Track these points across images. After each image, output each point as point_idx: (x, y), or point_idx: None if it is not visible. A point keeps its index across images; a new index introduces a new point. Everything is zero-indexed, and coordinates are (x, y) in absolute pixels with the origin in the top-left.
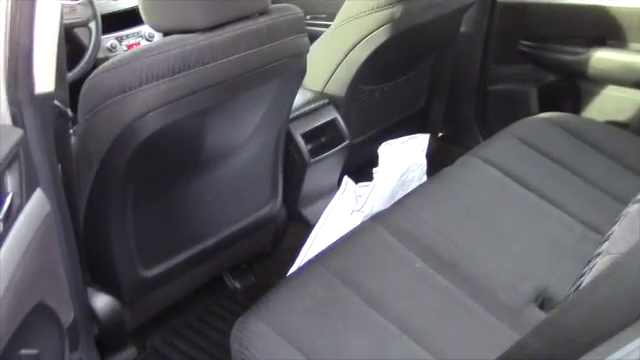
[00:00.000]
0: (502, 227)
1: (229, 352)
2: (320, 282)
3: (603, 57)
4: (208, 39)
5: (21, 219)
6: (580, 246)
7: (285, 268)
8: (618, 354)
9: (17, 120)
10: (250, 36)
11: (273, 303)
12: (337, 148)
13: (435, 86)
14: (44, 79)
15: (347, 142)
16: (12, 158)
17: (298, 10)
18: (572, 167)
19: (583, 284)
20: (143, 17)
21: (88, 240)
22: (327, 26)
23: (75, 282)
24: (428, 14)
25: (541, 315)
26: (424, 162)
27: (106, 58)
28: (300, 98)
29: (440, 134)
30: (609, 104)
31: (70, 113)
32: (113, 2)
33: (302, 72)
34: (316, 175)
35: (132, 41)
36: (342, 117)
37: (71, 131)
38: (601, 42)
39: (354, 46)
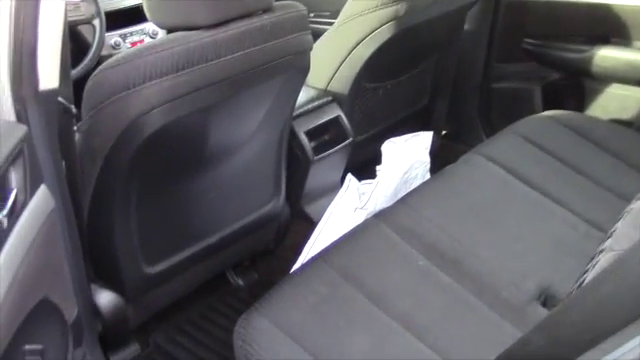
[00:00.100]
0: (505, 225)
1: (232, 349)
2: (323, 279)
3: (607, 55)
4: (212, 36)
5: (25, 215)
6: (583, 244)
7: (288, 265)
8: (620, 351)
9: (21, 116)
10: (254, 33)
11: (276, 300)
12: (340, 146)
13: (439, 84)
14: (48, 76)
15: (350, 140)
16: (16, 154)
17: (302, 7)
18: (576, 165)
19: (586, 281)
20: (147, 14)
21: (92, 237)
22: (331, 24)
23: (79, 278)
24: (432, 12)
25: (544, 313)
26: (427, 160)
27: (110, 55)
28: (303, 96)
29: (443, 132)
30: (613, 102)
31: (74, 110)
32: None
33: (305, 70)
34: (319, 173)
35: (136, 38)
36: (345, 115)
37: (75, 128)
38: (605, 40)
39: (358, 44)
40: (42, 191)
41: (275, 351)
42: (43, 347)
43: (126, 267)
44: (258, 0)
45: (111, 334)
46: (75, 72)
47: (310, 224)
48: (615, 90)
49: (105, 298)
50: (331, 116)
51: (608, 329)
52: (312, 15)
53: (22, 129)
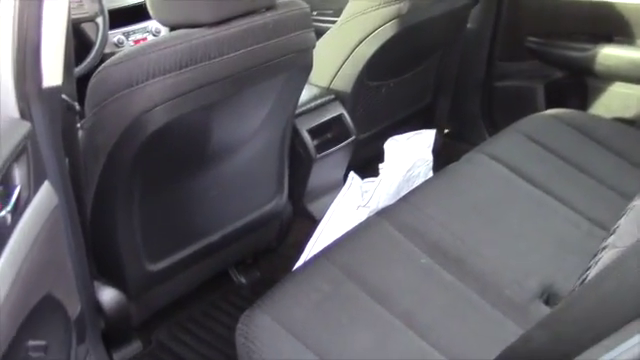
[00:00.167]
0: (508, 223)
1: (234, 346)
2: (326, 277)
3: (610, 54)
4: (215, 34)
5: (29, 211)
6: (586, 242)
7: (290, 263)
8: (622, 347)
9: (25, 113)
10: (257, 31)
11: (279, 297)
12: (343, 144)
13: (441, 82)
14: (52, 73)
15: (353, 138)
16: (20, 151)
17: (305, 5)
18: (579, 164)
19: (588, 278)
20: (150, 12)
21: (95, 234)
22: (334, 22)
23: (82, 275)
24: (435, 10)
25: (546, 311)
26: (430, 158)
27: (113, 53)
28: (306, 94)
29: (446, 130)
30: (616, 101)
31: (77, 107)
32: None
33: (308, 67)
34: (322, 171)
35: (139, 36)
36: (348, 113)
37: (78, 125)
38: (608, 38)
39: (360, 42)
40: (45, 188)
41: (277, 348)
42: (47, 343)
43: (129, 264)
44: None
45: (114, 331)
46: (78, 70)
47: (312, 222)
48: (618, 89)
49: (108, 295)
50: (334, 114)
51: (610, 326)
52: (315, 13)
53: (26, 126)
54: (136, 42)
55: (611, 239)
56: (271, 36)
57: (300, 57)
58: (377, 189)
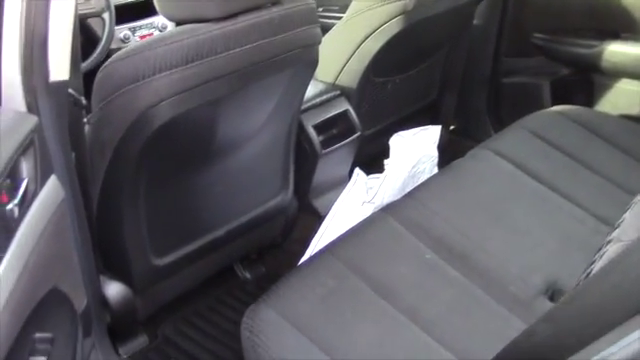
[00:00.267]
0: (513, 219)
1: (240, 341)
2: (331, 272)
3: (616, 50)
4: (221, 29)
5: (36, 205)
6: (592, 239)
7: (295, 259)
8: (621, 343)
9: (32, 107)
10: (263, 26)
11: (284, 292)
12: (348, 140)
13: (447, 78)
14: (59, 68)
15: (359, 134)
16: (27, 144)
17: (311, 1)
18: (584, 160)
19: (593, 272)
20: (157, 7)
21: (101, 228)
22: (339, 18)
23: (88, 269)
24: (440, 6)
25: (551, 307)
26: (435, 154)
27: (119, 49)
28: (312, 89)
29: (452, 127)
30: (622, 98)
31: (84, 101)
32: None
33: (314, 63)
34: (327, 166)
35: (145, 32)
36: (354, 109)
37: (85, 120)
38: (614, 35)
39: (366, 38)
40: (52, 181)
41: (282, 342)
42: (53, 335)
43: (134, 259)
44: None
45: (120, 325)
46: (85, 65)
47: (318, 218)
48: (624, 85)
49: (114, 289)
50: (339, 110)
51: (614, 320)
52: (321, 9)
53: (33, 120)
54: (142, 37)
55: (616, 233)
56: (277, 31)
57: (306, 53)
58: (382, 185)
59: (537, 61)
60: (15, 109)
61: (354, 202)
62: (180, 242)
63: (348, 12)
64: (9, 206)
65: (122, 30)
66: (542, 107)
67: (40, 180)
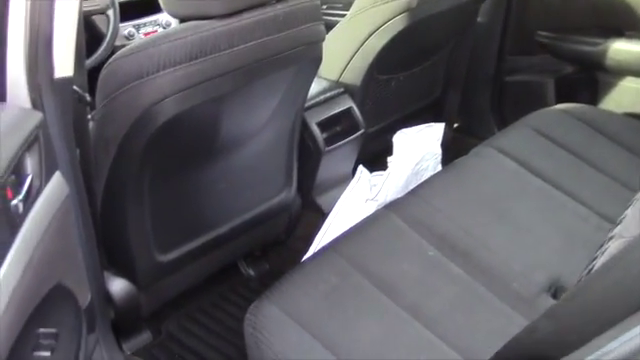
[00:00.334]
0: (516, 217)
1: (243, 337)
2: (334, 268)
3: (621, 48)
4: (225, 26)
5: (40, 201)
6: (595, 237)
7: (299, 256)
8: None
9: (37, 104)
10: (267, 23)
11: (287, 288)
12: (352, 137)
13: (451, 76)
14: (63, 64)
15: (362, 131)
16: (32, 140)
17: None
18: (588, 158)
19: (595, 268)
20: (161, 4)
21: (105, 225)
22: (343, 15)
23: (92, 265)
24: (445, 3)
25: None
26: (439, 151)
27: (123, 46)
28: (316, 87)
29: (455, 125)
30: (627, 96)
31: (88, 98)
32: None
33: (318, 60)
34: (331, 164)
35: (149, 29)
36: (357, 106)
37: (89, 116)
38: (619, 33)
39: (370, 35)
40: (57, 178)
41: (285, 338)
42: (57, 331)
43: (138, 255)
44: None
45: (124, 321)
46: (89, 62)
47: (321, 215)
48: (629, 83)
49: (118, 285)
50: (343, 107)
51: (615, 316)
52: (325, 7)
53: (38, 116)
54: (146, 35)
55: (618, 229)
56: (281, 28)
57: (310, 50)
58: (385, 182)
59: (541, 59)
60: (20, 105)
61: (357, 199)
62: (184, 239)
63: (352, 9)
64: (14, 202)
65: (126, 27)
66: (546, 105)
67: (45, 176)
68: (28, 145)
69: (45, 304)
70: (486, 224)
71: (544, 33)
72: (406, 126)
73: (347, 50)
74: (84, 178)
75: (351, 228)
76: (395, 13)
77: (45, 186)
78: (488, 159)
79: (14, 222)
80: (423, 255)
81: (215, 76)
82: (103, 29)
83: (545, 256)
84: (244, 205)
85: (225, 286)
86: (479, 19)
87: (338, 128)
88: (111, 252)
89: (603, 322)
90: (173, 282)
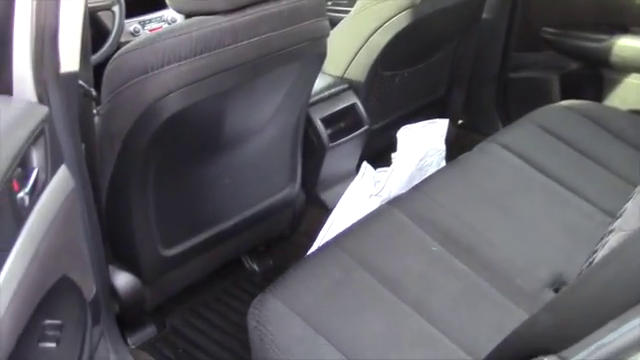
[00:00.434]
0: (520, 213)
1: (247, 332)
2: (337, 263)
3: (626, 45)
4: (230, 21)
5: (46, 194)
6: (599, 233)
7: (303, 252)
8: (622, 329)
9: (43, 98)
10: (271, 18)
11: (290, 283)
12: (356, 133)
13: (456, 73)
14: (69, 59)
15: (366, 127)
16: (38, 134)
17: None
18: (593, 155)
19: (595, 261)
20: (166, 0)
21: (110, 219)
22: (348, 12)
23: (97, 259)
24: (449, 0)
25: None
26: (443, 147)
27: (129, 42)
28: (320, 83)
29: (460, 121)
30: (631, 92)
31: (94, 93)
32: None
33: (322, 56)
34: (335, 159)
35: (155, 25)
36: (362, 102)
37: (95, 111)
38: (624, 29)
39: (375, 31)
40: (62, 171)
41: (288, 332)
42: (62, 322)
43: (143, 249)
44: None
45: (128, 315)
46: (95, 57)
47: (325, 211)
48: (634, 80)
49: (122, 279)
50: (347, 103)
51: (615, 309)
52: (330, 3)
53: (44, 110)
54: (152, 31)
55: (618, 223)
56: (285, 24)
57: (314, 45)
58: (389, 178)
59: (546, 56)
60: (26, 100)
61: (361, 195)
62: (188, 233)
63: (357, 5)
64: (20, 194)
65: (132, 23)
66: (551, 102)
67: (50, 170)
68: (34, 139)
69: (51, 296)
70: (490, 220)
71: (549, 30)
72: (410, 123)
73: (352, 46)
74: (89, 173)
75: (355, 223)
76: (400, 9)
77: (51, 179)
78: (492, 155)
79: (20, 214)
80: (426, 250)
81: (219, 71)
82: (109, 25)
83: (548, 252)
84: (248, 200)
85: (229, 281)
86: (484, 15)
87: (342, 124)
88: (116, 246)
89: (603, 315)
90: (177, 277)
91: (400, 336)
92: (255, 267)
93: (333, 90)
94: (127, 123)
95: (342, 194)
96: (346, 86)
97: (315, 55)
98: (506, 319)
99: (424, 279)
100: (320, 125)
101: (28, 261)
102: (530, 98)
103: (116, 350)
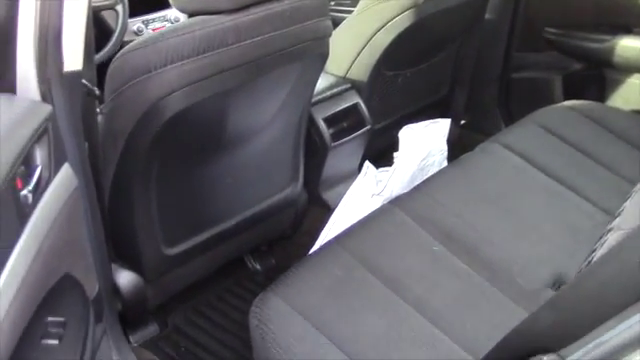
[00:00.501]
0: (521, 212)
1: (248, 330)
2: (339, 262)
3: (629, 45)
4: (232, 20)
5: (49, 191)
6: (600, 233)
7: (305, 251)
8: (622, 326)
9: (46, 97)
10: (274, 18)
11: (292, 281)
12: (358, 133)
13: (458, 73)
14: (72, 58)
15: (369, 127)
16: (41, 132)
17: None
18: (595, 155)
19: (594, 260)
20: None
21: (113, 218)
22: (351, 11)
23: (100, 257)
24: (452, 0)
25: None
26: (445, 147)
27: (132, 41)
28: (323, 82)
29: (462, 121)
30: (634, 93)
31: (97, 92)
32: None
33: (324, 56)
34: (337, 159)
35: (158, 25)
36: (364, 102)
37: (98, 110)
38: (627, 30)
39: (378, 31)
40: (65, 169)
41: (289, 331)
42: (65, 319)
43: (145, 248)
44: None
45: (130, 313)
46: (99, 57)
47: (327, 210)
48: (636, 80)
49: (125, 278)
50: (350, 103)
51: (614, 307)
52: (333, 3)
53: (47, 108)
54: (155, 30)
55: (616, 221)
56: (288, 23)
57: (316, 45)
58: (391, 178)
59: (549, 56)
60: (30, 98)
61: (363, 195)
62: (190, 232)
63: (359, 5)
64: (23, 192)
65: (135, 23)
66: (554, 102)
67: (54, 168)
68: (38, 137)
69: (53, 294)
70: (491, 220)
71: (552, 30)
72: (413, 122)
73: (354, 46)
74: (92, 172)
75: (356, 223)
76: (402, 9)
77: (54, 177)
78: (494, 155)
79: (23, 212)
80: (428, 250)
81: (222, 71)
82: (112, 24)
83: (550, 252)
84: (250, 200)
85: (231, 280)
86: (487, 16)
87: (345, 124)
88: (118, 245)
89: (602, 313)
90: (180, 275)
91: (401, 335)
92: (257, 266)
93: (335, 90)
94: (130, 122)
95: (344, 193)
96: (348, 86)
97: (317, 55)
98: (507, 319)
99: (425, 278)
100: (322, 125)
101: (31, 258)
102: (532, 98)
103: (118, 348)
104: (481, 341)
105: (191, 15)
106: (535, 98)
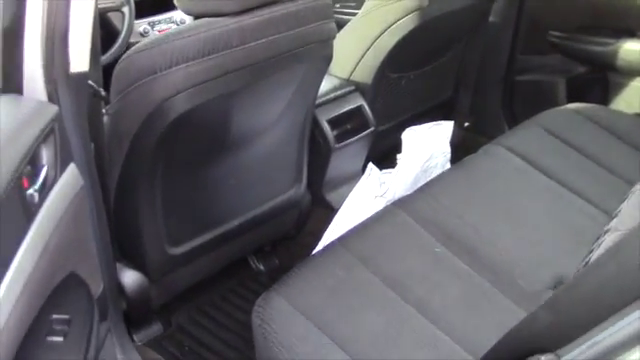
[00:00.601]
0: (523, 215)
1: (251, 330)
2: (341, 263)
3: (632, 49)
4: (237, 23)
5: (55, 191)
6: None
7: (308, 252)
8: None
9: (53, 97)
10: (278, 21)
11: (295, 281)
12: (362, 134)
13: (462, 75)
14: (79, 59)
15: (372, 129)
16: (48, 132)
17: None
18: (598, 158)
19: (591, 260)
20: (175, 1)
21: (118, 218)
22: (355, 14)
23: (105, 256)
24: (456, 2)
25: None
26: (448, 150)
27: (138, 43)
28: (327, 84)
29: (466, 124)
30: (637, 96)
31: (103, 93)
32: None
33: (328, 58)
34: (341, 161)
35: (164, 26)
36: (368, 104)
37: (104, 111)
38: (630, 33)
39: (382, 33)
40: (71, 169)
41: (292, 330)
42: (70, 317)
43: (150, 248)
44: None
45: (135, 312)
46: (105, 58)
47: (331, 211)
48: None
49: (130, 277)
50: (353, 105)
51: (611, 308)
52: (338, 5)
53: (53, 109)
54: (161, 32)
55: (613, 222)
56: (292, 26)
57: (320, 47)
58: (394, 179)
59: (553, 59)
60: (36, 98)
61: (367, 196)
62: (194, 233)
63: (364, 8)
64: (29, 191)
65: (141, 24)
66: (557, 105)
67: (60, 167)
68: (44, 137)
69: (59, 291)
70: (493, 222)
71: (556, 33)
72: (416, 124)
73: (358, 48)
74: (98, 173)
75: (359, 224)
76: (407, 12)
77: (60, 177)
78: (497, 157)
79: (30, 211)
80: (430, 251)
81: (227, 72)
82: (118, 26)
83: (551, 254)
84: (254, 201)
85: (235, 280)
86: (491, 18)
87: (348, 126)
88: (123, 245)
89: (599, 314)
90: (184, 275)
91: (403, 336)
92: (261, 267)
93: (339, 92)
94: (135, 123)
95: (347, 195)
96: (353, 88)
97: (321, 57)
98: (508, 320)
99: (427, 279)
100: (326, 126)
101: (37, 256)
102: (536, 101)
103: (122, 346)
104: (482, 342)
105: (196, 17)
106: (539, 101)
